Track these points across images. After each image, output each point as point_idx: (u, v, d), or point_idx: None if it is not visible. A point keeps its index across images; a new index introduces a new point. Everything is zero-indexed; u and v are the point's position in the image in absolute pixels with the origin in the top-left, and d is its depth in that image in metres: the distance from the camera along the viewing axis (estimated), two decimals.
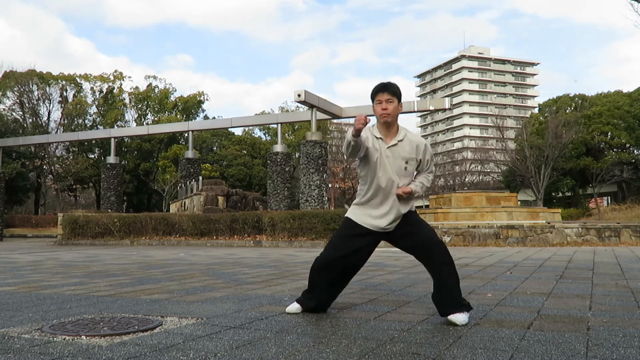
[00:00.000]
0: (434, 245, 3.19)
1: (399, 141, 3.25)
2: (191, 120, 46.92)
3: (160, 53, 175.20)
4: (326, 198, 21.73)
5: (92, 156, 47.50)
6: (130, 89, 50.87)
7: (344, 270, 3.39)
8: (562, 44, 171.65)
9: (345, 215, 3.42)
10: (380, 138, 3.26)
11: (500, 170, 51.78)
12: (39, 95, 45.10)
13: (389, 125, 3.25)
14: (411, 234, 3.25)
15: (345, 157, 3.61)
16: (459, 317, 3.01)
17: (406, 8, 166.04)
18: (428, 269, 3.27)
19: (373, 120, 3.45)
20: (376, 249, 3.48)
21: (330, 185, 39.15)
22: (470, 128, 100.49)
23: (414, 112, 25.13)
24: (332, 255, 3.34)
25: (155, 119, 49.18)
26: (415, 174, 3.37)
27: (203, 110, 52.29)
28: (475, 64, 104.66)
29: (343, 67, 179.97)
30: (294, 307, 3.45)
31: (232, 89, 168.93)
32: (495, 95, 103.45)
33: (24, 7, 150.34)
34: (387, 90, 3.23)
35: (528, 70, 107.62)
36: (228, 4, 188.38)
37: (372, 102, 3.30)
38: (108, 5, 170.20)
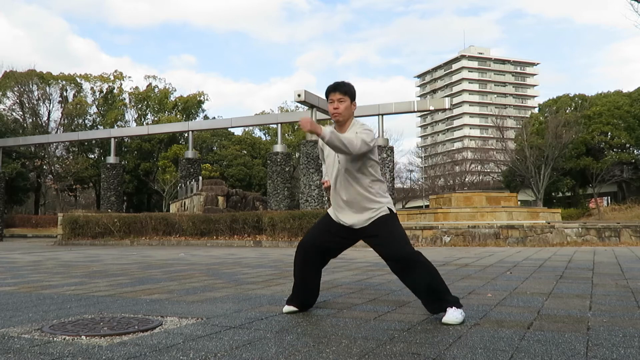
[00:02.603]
0: (400, 261, 3.20)
1: None
2: (191, 120, 46.92)
3: (164, 53, 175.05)
4: (326, 198, 21.72)
5: (92, 156, 47.48)
6: (130, 89, 50.88)
7: (316, 256, 3.44)
8: (564, 45, 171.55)
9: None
10: None
11: (500, 170, 51.74)
12: (39, 95, 45.09)
13: (341, 123, 3.33)
14: (381, 245, 3.25)
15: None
16: (449, 317, 3.03)
17: (410, 8, 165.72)
18: (400, 278, 3.32)
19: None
20: None
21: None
22: (470, 128, 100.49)
23: (414, 112, 25.11)
24: (306, 237, 3.50)
25: (155, 119, 49.15)
26: (369, 170, 3.24)
27: (203, 110, 52.28)
28: (475, 64, 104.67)
29: (346, 67, 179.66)
30: (288, 307, 3.48)
31: (236, 88, 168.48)
32: (495, 95, 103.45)
33: (28, 7, 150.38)
34: (338, 90, 3.30)
35: (528, 70, 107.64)
36: (232, 4, 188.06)
37: (327, 101, 3.37)
38: (112, 5, 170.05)
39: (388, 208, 3.27)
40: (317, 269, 3.51)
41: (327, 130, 2.95)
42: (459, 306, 3.10)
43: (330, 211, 3.45)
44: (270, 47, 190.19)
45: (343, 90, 3.29)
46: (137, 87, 50.59)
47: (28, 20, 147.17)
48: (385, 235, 3.23)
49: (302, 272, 3.46)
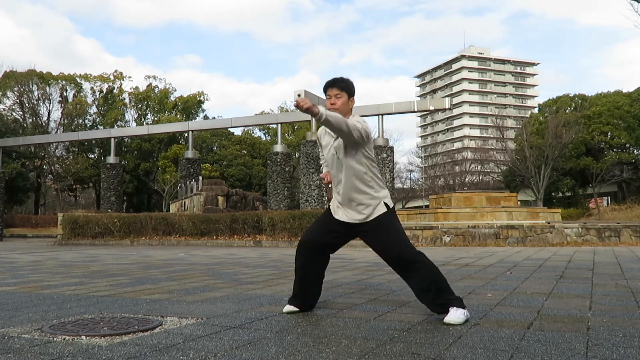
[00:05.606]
0: (399, 262, 3.22)
1: None
2: (191, 120, 46.92)
3: (168, 53, 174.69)
4: (326, 198, 21.73)
5: (92, 156, 47.49)
6: (130, 89, 50.90)
7: (316, 252, 3.44)
8: (565, 45, 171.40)
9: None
10: (330, 133, 3.35)
11: (500, 170, 51.73)
12: (39, 95, 45.09)
13: None
14: (377, 244, 3.27)
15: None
16: (451, 317, 3.02)
17: (415, 8, 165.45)
18: (402, 278, 3.35)
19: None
20: None
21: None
22: (470, 128, 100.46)
23: (414, 112, 25.12)
24: (306, 235, 3.50)
25: (155, 119, 49.16)
26: (364, 163, 3.24)
27: (203, 110, 52.32)
28: (475, 64, 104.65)
29: (350, 67, 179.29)
30: (288, 307, 3.47)
31: (239, 88, 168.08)
32: (495, 95, 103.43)
33: (33, 7, 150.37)
34: (335, 86, 3.30)
35: (528, 70, 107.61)
36: (236, 5, 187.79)
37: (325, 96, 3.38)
38: (116, 5, 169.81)
39: (385, 203, 3.26)
40: (319, 266, 3.50)
41: (322, 108, 2.94)
42: (461, 306, 3.09)
43: (330, 206, 3.48)
44: (274, 47, 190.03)
45: (340, 85, 3.29)
46: (137, 87, 50.64)
47: (33, 20, 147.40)
48: (381, 236, 3.24)
49: (304, 269, 3.45)
